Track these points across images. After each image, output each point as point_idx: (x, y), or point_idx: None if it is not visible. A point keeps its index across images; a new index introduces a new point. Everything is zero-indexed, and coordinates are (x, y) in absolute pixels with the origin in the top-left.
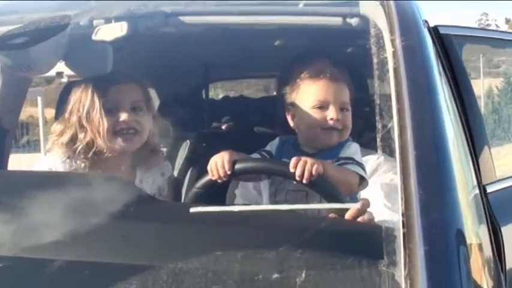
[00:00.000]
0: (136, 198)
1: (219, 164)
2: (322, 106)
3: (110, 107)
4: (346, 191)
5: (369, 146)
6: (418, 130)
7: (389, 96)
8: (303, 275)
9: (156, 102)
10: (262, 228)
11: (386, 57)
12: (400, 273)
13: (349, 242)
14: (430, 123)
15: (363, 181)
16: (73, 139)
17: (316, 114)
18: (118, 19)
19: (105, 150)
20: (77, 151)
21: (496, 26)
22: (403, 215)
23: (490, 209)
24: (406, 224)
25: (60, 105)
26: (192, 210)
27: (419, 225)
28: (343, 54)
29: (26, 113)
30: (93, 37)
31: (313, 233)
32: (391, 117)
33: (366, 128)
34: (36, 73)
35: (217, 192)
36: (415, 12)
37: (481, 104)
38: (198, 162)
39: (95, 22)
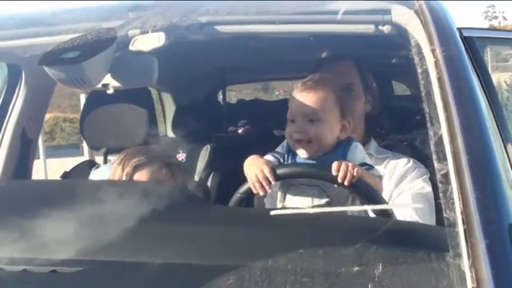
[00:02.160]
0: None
1: (260, 176)
2: (292, 119)
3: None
4: None
5: (395, 148)
6: (467, 136)
7: (435, 104)
8: (380, 267)
9: (172, 108)
10: (335, 228)
11: (428, 67)
12: (465, 264)
13: (416, 238)
14: (477, 129)
15: None
16: None
17: (288, 126)
18: (155, 30)
19: None
20: None
21: (504, 18)
22: (462, 213)
23: None
24: (466, 221)
25: (86, 113)
26: (273, 213)
27: (478, 222)
28: (364, 60)
29: None
30: (130, 47)
31: (383, 231)
32: (440, 124)
33: (392, 131)
34: (87, 86)
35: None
36: (449, 21)
37: None
38: (219, 166)
39: (130, 32)
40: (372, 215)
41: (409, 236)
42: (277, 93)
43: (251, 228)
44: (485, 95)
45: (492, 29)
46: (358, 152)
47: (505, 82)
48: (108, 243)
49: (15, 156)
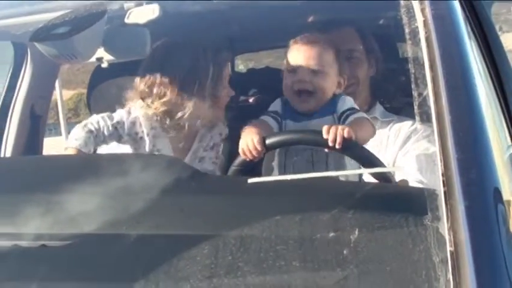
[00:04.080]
0: (198, 175)
1: (250, 146)
2: (294, 69)
3: None
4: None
5: (400, 112)
6: (452, 96)
7: (423, 65)
8: (356, 232)
9: None
10: (314, 194)
11: (417, 27)
12: (444, 227)
13: (395, 201)
14: (463, 89)
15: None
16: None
17: (288, 77)
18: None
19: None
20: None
21: None
22: (443, 174)
23: None
24: (446, 182)
25: (92, 87)
26: (250, 181)
27: (459, 184)
28: (367, 23)
29: None
30: (126, 20)
31: (362, 196)
32: (426, 85)
33: (397, 94)
34: (79, 61)
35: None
36: None
37: None
38: (232, 137)
39: (125, 5)
40: (369, 178)
41: (388, 199)
42: None
43: (228, 197)
44: (486, 54)
45: None
46: (347, 102)
47: None
48: (96, 216)
49: (25, 133)
